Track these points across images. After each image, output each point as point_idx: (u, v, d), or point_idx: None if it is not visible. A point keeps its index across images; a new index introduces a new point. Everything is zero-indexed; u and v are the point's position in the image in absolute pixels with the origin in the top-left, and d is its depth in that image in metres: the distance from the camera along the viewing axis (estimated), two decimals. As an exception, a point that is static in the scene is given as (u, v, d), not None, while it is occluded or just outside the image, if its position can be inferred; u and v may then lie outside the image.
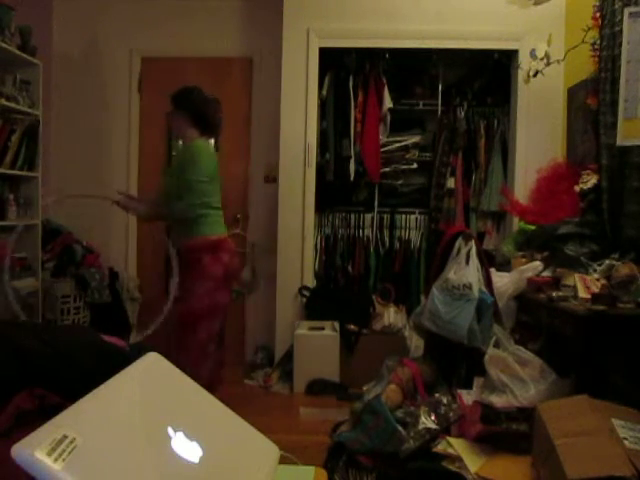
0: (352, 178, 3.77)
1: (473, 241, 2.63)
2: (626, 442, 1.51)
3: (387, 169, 3.88)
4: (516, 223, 3.41)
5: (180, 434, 0.84)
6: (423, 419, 2.15)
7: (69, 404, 0.78)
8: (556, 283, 2.47)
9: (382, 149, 3.82)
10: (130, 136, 4.03)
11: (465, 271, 2.55)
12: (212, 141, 2.96)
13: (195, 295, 2.54)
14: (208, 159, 2.59)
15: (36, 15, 3.70)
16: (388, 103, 3.75)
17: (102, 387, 0.85)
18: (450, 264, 2.64)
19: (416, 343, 3.29)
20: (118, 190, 2.97)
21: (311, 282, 3.73)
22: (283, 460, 1.05)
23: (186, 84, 2.78)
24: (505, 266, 2.98)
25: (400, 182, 3.96)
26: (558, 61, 3.04)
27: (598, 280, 2.31)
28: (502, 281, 2.68)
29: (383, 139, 3.82)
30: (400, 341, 3.46)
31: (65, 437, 0.68)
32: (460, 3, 3.55)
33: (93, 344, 1.34)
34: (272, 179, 3.92)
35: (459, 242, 2.65)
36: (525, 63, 3.23)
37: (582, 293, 2.27)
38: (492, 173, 3.72)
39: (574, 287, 2.33)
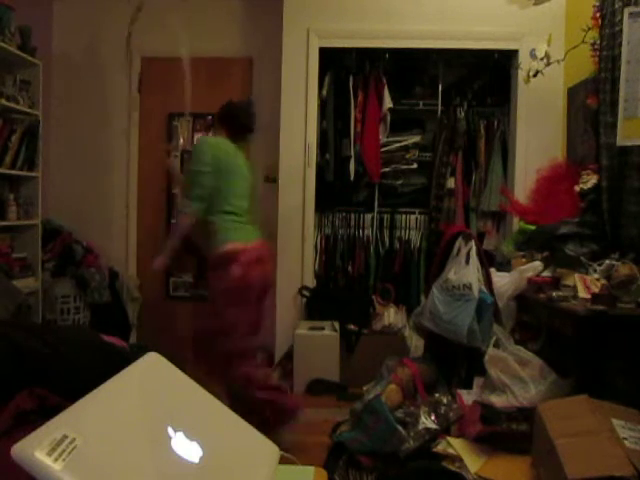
0: (352, 178, 3.76)
1: (473, 241, 2.63)
2: (626, 442, 1.51)
3: (387, 169, 3.88)
4: (516, 223, 3.41)
5: (180, 434, 0.84)
6: (423, 419, 2.15)
7: (69, 404, 0.78)
8: (556, 283, 2.47)
9: (382, 149, 3.82)
10: (130, 136, 4.03)
11: (465, 271, 2.55)
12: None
13: (208, 312, 2.45)
14: (210, 149, 2.44)
15: (36, 15, 3.70)
16: (388, 103, 3.75)
17: (102, 387, 0.85)
18: (450, 264, 2.64)
19: (416, 343, 3.28)
20: None
21: (311, 282, 3.73)
22: (283, 460, 1.05)
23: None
24: (505, 266, 2.98)
25: (400, 182, 3.95)
26: (558, 61, 3.03)
27: (598, 280, 2.31)
28: (502, 281, 2.68)
29: (383, 139, 3.82)
30: (400, 341, 3.46)
31: (65, 437, 0.68)
32: (460, 3, 3.55)
33: (93, 344, 1.34)
34: (272, 179, 3.92)
35: (459, 242, 2.64)
36: (525, 63, 3.22)
37: (582, 293, 2.27)
38: (492, 173, 3.71)
39: (574, 287, 2.33)
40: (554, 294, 2.30)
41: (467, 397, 2.29)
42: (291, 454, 1.11)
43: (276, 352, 3.69)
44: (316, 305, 3.64)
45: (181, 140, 4.06)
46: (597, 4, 2.78)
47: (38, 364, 1.17)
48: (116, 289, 3.82)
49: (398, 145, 3.88)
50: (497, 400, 2.06)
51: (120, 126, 4.04)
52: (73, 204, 4.00)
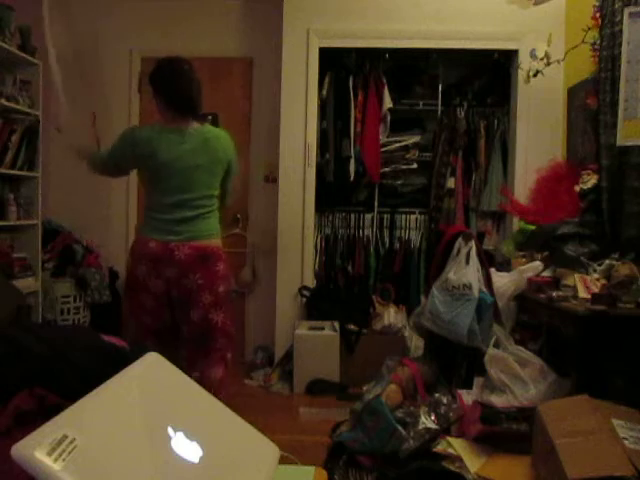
0: (352, 178, 3.76)
1: (473, 241, 2.63)
2: (626, 442, 1.51)
3: (387, 169, 3.88)
4: (516, 223, 3.41)
5: (180, 434, 0.84)
6: (423, 419, 2.15)
7: (69, 404, 0.78)
8: (556, 283, 2.47)
9: (382, 149, 3.82)
10: (130, 136, 4.03)
11: (465, 271, 2.55)
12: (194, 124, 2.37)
13: None
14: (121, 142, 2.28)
15: (36, 15, 3.69)
16: (388, 103, 3.75)
17: (102, 387, 0.85)
18: (450, 264, 2.64)
19: (416, 343, 3.28)
20: None
21: (311, 282, 3.73)
22: (283, 460, 1.05)
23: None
24: (505, 266, 2.98)
25: (400, 182, 3.96)
26: (558, 61, 3.04)
27: (598, 280, 2.31)
28: (502, 281, 2.68)
29: (383, 139, 3.82)
30: (400, 341, 3.46)
31: (65, 437, 0.68)
32: (460, 3, 3.55)
33: (93, 344, 1.34)
34: (272, 179, 3.92)
35: (459, 242, 2.65)
36: (525, 63, 3.23)
37: (582, 293, 2.27)
38: (492, 173, 3.71)
39: (574, 287, 2.33)
40: (554, 294, 2.31)
41: (467, 397, 2.29)
42: (291, 454, 1.11)
43: (276, 352, 3.69)
44: (316, 305, 3.64)
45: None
46: (597, 4, 2.79)
47: (38, 364, 1.17)
48: (116, 289, 3.82)
49: (398, 145, 3.88)
50: (497, 400, 2.06)
51: (120, 126, 4.03)
52: (73, 204, 3.99)
